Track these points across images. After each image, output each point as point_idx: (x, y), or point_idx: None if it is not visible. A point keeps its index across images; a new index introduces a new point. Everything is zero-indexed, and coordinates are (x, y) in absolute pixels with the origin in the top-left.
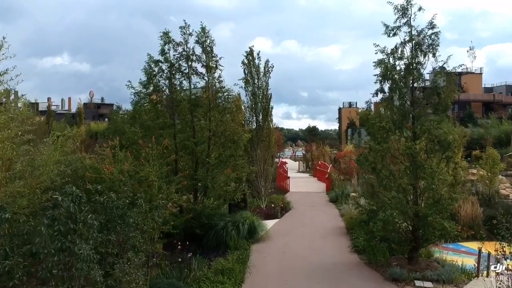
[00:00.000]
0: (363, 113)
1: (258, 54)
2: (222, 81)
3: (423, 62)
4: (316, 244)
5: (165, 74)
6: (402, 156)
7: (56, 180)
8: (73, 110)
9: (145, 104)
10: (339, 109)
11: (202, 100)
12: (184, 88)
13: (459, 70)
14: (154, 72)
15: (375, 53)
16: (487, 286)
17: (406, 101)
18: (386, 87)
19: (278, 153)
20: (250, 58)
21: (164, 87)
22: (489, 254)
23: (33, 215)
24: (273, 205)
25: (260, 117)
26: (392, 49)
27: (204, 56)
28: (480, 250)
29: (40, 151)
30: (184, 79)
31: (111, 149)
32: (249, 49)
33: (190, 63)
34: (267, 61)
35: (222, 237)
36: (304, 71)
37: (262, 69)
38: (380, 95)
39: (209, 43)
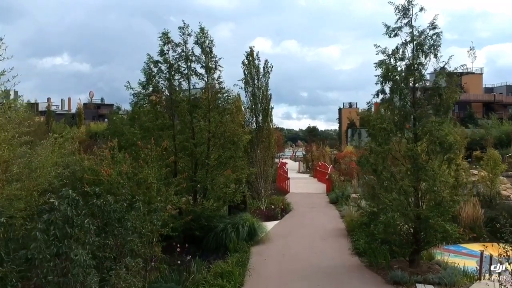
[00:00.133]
0: (364, 113)
1: (257, 55)
2: (221, 82)
3: (424, 63)
4: (316, 246)
5: (164, 75)
6: (403, 158)
7: (53, 182)
8: (73, 110)
9: (144, 105)
10: (339, 110)
11: (202, 101)
12: (184, 89)
13: (460, 70)
14: (153, 73)
15: (376, 54)
16: None
17: (407, 102)
18: (387, 88)
19: (278, 154)
20: (250, 58)
21: (164, 88)
22: (491, 256)
23: (30, 218)
24: (273, 207)
25: (260, 118)
26: (393, 50)
27: (203, 57)
28: (482, 253)
29: (37, 153)
30: (184, 80)
31: (110, 151)
32: (249, 49)
33: (189, 63)
34: (266, 61)
35: (221, 239)
36: (304, 71)
37: (261, 70)
38: (381, 96)
39: (208, 44)
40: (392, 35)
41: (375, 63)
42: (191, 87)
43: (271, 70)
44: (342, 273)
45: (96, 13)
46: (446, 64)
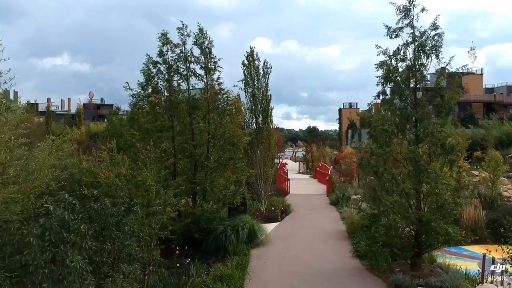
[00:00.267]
0: (364, 114)
1: (257, 55)
2: (221, 82)
3: (426, 64)
4: (317, 248)
5: (163, 76)
6: (405, 160)
7: (51, 185)
8: (73, 110)
9: (143, 106)
10: (340, 110)
11: (201, 102)
12: (183, 90)
13: (462, 71)
14: (153, 74)
15: (377, 55)
16: None
17: (409, 103)
18: (388, 89)
19: (278, 154)
20: (250, 59)
21: (163, 89)
22: (493, 258)
23: (26, 221)
24: (273, 208)
25: (260, 119)
26: (394, 51)
27: (202, 58)
28: (484, 256)
29: (34, 155)
30: (183, 81)
31: (108, 152)
32: (250, 49)
33: (188, 64)
34: (265, 62)
35: (221, 242)
36: (304, 71)
37: (261, 71)
38: (381, 97)
39: (208, 44)
40: (393, 36)
41: (376, 64)
42: (191, 88)
43: (270, 71)
44: (343, 276)
45: (96, 13)
46: (447, 64)
